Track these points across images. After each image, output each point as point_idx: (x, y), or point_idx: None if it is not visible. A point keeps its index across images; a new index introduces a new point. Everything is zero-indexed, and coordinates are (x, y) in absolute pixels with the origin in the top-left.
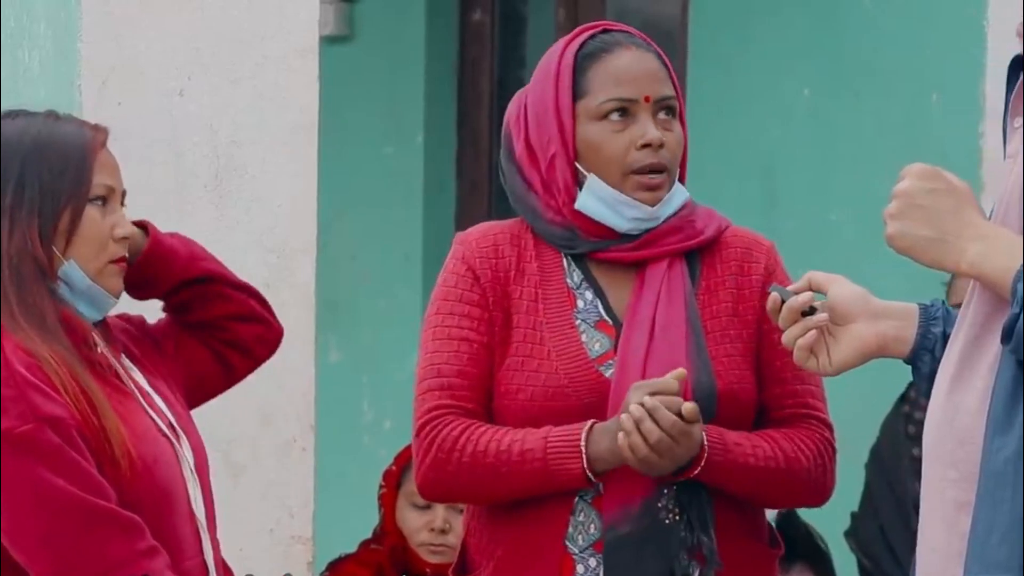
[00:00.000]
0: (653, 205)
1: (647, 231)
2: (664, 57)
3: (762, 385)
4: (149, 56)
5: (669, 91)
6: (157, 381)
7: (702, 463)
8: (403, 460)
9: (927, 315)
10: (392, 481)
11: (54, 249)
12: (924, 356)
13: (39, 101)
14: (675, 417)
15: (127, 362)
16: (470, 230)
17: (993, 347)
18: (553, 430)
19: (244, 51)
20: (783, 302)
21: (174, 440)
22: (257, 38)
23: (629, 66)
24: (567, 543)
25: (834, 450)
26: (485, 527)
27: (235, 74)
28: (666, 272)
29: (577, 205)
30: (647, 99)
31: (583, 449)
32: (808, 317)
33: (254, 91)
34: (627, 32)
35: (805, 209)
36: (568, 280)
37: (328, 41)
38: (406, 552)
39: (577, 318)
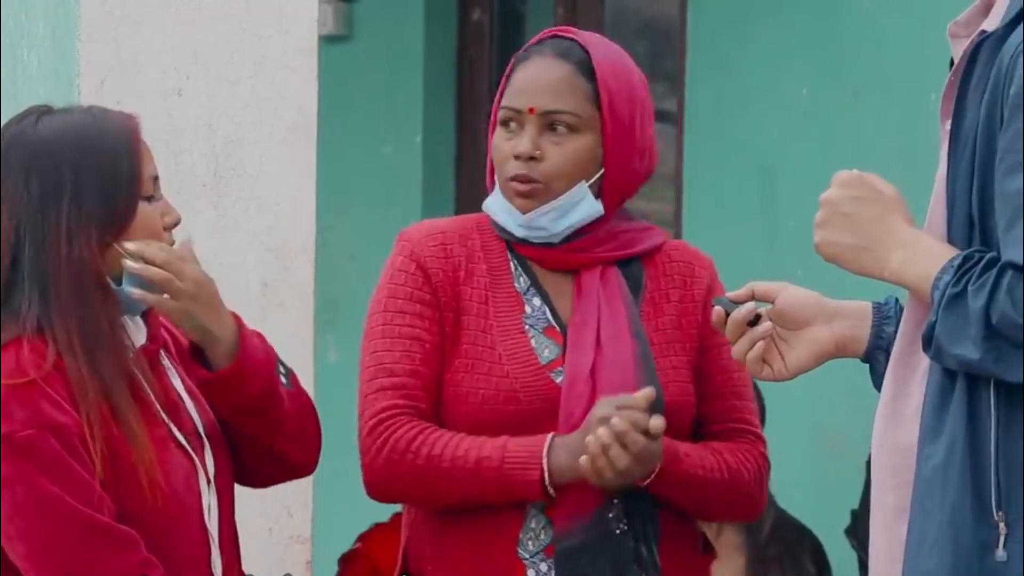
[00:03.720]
0: (524, 212)
1: (555, 243)
2: (595, 69)
3: (700, 399)
4: (148, 55)
5: (565, 106)
6: (192, 383)
7: (655, 472)
8: None
9: (880, 314)
10: None
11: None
12: (879, 355)
13: (37, 100)
14: (644, 439)
15: (166, 361)
16: (413, 227)
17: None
18: (511, 440)
19: (243, 51)
20: (727, 315)
21: (195, 449)
22: (256, 38)
23: (527, 76)
24: (518, 548)
25: (769, 466)
26: (433, 530)
27: (234, 74)
28: (600, 281)
29: (483, 205)
30: (531, 111)
31: (543, 462)
32: (754, 328)
33: (253, 91)
34: (566, 39)
35: (804, 209)
36: (516, 284)
37: (327, 41)
38: None
39: (526, 323)
